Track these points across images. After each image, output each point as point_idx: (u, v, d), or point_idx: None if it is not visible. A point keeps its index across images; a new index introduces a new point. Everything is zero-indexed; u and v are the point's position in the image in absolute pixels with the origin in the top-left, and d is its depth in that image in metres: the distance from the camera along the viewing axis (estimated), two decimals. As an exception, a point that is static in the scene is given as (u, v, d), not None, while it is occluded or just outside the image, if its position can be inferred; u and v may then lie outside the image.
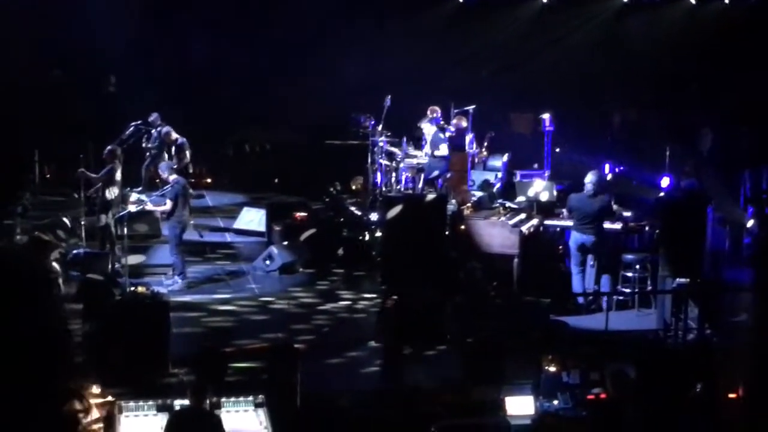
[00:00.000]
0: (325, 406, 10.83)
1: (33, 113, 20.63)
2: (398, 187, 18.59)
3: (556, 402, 10.41)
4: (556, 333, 12.99)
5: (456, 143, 19.26)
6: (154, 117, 20.14)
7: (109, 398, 9.80)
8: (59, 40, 21.48)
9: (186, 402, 9.21)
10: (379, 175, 18.86)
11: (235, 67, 22.78)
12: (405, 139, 18.61)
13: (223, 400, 9.57)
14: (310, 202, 19.24)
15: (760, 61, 20.12)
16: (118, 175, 15.89)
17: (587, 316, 14.10)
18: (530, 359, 10.95)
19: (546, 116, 19.63)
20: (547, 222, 16.20)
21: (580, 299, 14.71)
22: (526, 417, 10.19)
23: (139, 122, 19.87)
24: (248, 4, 23.54)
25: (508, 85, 23.48)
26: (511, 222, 15.46)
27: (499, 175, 19.38)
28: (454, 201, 17.08)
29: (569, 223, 15.18)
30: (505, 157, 19.98)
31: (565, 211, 15.47)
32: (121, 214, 15.09)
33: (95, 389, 9.87)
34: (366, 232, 17.63)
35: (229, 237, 18.35)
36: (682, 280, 13.09)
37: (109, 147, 16.23)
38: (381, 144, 18.69)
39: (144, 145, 20.21)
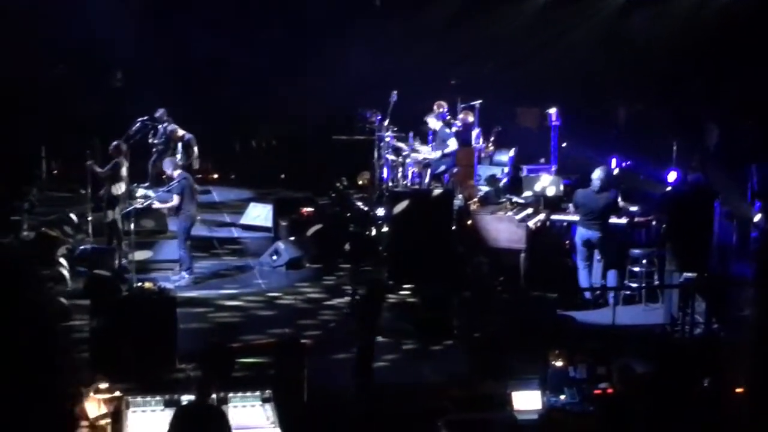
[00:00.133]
0: (331, 402, 10.83)
1: (39, 109, 20.67)
2: (405, 182, 18.59)
3: (563, 397, 10.40)
4: (563, 328, 12.98)
5: (462, 138, 19.25)
6: (160, 113, 20.16)
7: (117, 393, 9.81)
8: (65, 36, 21.49)
9: (193, 397, 9.22)
10: (385, 170, 18.86)
11: (242, 63, 22.77)
12: (411, 135, 18.61)
13: (230, 395, 9.57)
14: (317, 198, 19.26)
15: (766, 55, 20.05)
16: (124, 171, 15.91)
17: (594, 311, 14.10)
18: (537, 354, 10.92)
19: (552, 111, 19.60)
20: (554, 217, 16.17)
21: (587, 294, 14.69)
22: (533, 412, 10.18)
23: (145, 118, 19.89)
24: (257, 1, 23.56)
25: (514, 79, 23.44)
26: (518, 217, 15.44)
27: (506, 169, 19.37)
28: (460, 196, 17.07)
29: (576, 218, 15.16)
30: (512, 152, 19.97)
31: (571, 206, 15.46)
32: (127, 209, 15.12)
33: (102, 385, 9.88)
34: (372, 228, 17.64)
35: (235, 232, 18.39)
36: (689, 274, 13.09)
37: (114, 142, 16.26)
38: (387, 139, 18.69)
39: (150, 140, 20.23)
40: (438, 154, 18.37)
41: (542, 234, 15.78)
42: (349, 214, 18.52)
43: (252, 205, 19.00)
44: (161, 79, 21.06)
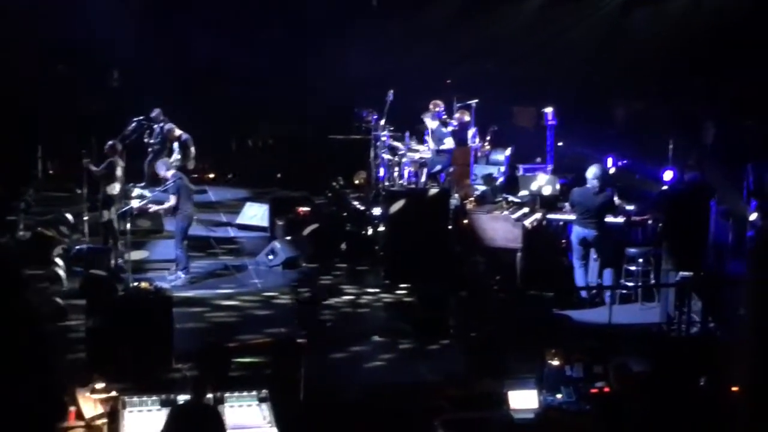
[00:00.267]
0: (328, 401, 10.83)
1: (36, 109, 20.66)
2: (401, 181, 18.59)
3: (559, 396, 10.40)
4: (560, 327, 12.99)
5: (459, 137, 19.23)
6: (156, 113, 20.16)
7: (113, 393, 9.81)
8: (63, 36, 21.48)
9: (189, 397, 9.23)
10: (381, 169, 18.86)
11: (239, 62, 22.77)
12: (408, 134, 18.61)
13: (227, 395, 9.58)
14: (313, 197, 19.25)
15: (764, 54, 20.06)
16: (119, 171, 15.90)
17: (590, 310, 14.10)
18: (533, 353, 10.93)
19: (549, 110, 19.59)
20: (550, 216, 16.17)
21: (584, 293, 14.70)
22: (529, 411, 10.18)
23: (141, 118, 19.89)
24: (256, 1, 23.56)
25: (510, 79, 23.45)
26: (514, 216, 15.44)
27: (502, 169, 19.36)
28: (456, 195, 17.07)
29: (572, 217, 15.17)
30: (508, 151, 19.96)
31: (567, 205, 15.47)
32: (123, 209, 15.11)
33: (99, 384, 9.88)
34: (369, 227, 17.64)
35: (232, 232, 18.38)
36: (686, 273, 13.09)
37: (110, 142, 16.26)
38: (384, 138, 18.68)
39: (146, 140, 20.23)
40: (431, 145, 18.36)
41: (538, 233, 15.78)
42: (345, 214, 18.53)
43: (248, 204, 18.99)
44: (158, 78, 21.05)
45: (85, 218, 16.43)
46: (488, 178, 18.68)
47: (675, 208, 14.01)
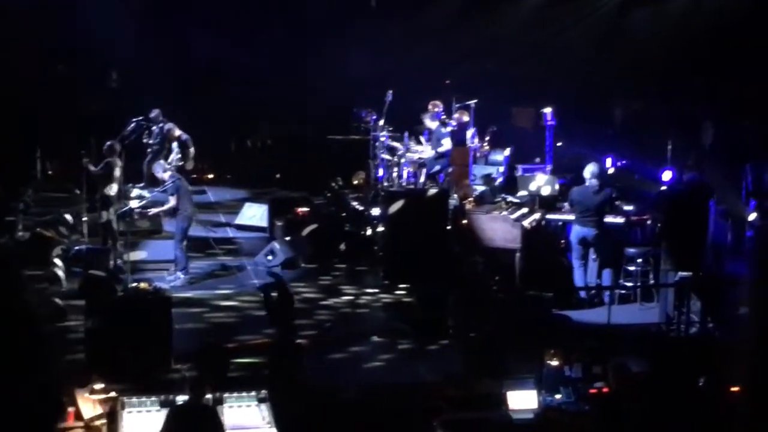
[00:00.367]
0: (327, 401, 10.83)
1: (35, 109, 20.65)
2: (400, 181, 18.57)
3: (558, 396, 10.41)
4: (559, 327, 13.00)
5: (458, 138, 19.22)
6: (155, 113, 20.15)
7: (112, 394, 9.82)
8: (62, 36, 21.48)
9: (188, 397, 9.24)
10: (380, 169, 18.84)
11: (237, 63, 22.75)
12: (407, 134, 18.60)
13: (226, 395, 9.59)
14: (312, 198, 19.25)
15: (763, 54, 20.06)
16: (118, 172, 15.90)
17: (589, 310, 14.10)
18: (532, 353, 10.95)
19: (548, 110, 19.58)
20: (549, 216, 16.17)
21: (583, 293, 14.70)
22: (528, 411, 10.19)
23: (140, 118, 19.89)
24: (256, 1, 23.55)
25: (509, 79, 23.44)
26: (513, 216, 15.44)
27: (501, 169, 19.34)
28: (455, 195, 17.05)
29: (571, 217, 15.17)
30: (507, 152, 19.94)
31: (566, 204, 15.47)
32: (123, 210, 15.11)
33: (98, 385, 9.88)
34: (368, 227, 17.64)
35: (231, 232, 18.37)
36: (685, 273, 13.10)
37: (108, 142, 16.26)
38: (383, 139, 18.67)
39: (145, 141, 20.22)
40: (432, 145, 18.38)
41: (537, 233, 15.78)
42: (344, 214, 18.52)
43: (247, 205, 18.99)
44: (158, 79, 21.02)
45: (84, 219, 16.43)
46: (487, 179, 18.66)
47: (674, 208, 14.03)
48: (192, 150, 19.63)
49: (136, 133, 19.76)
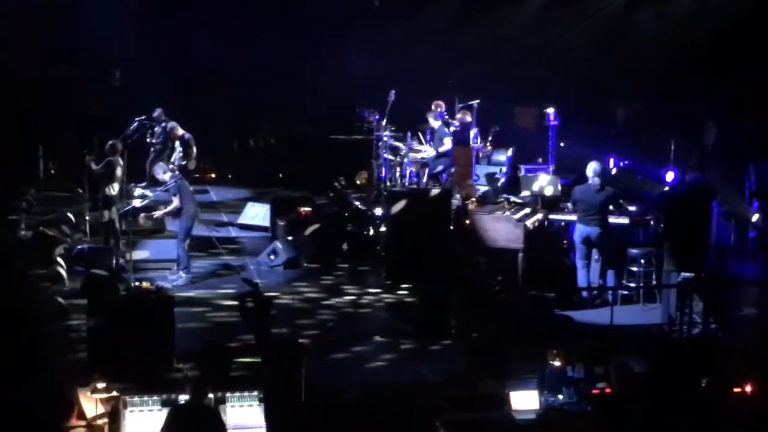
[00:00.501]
0: (330, 401, 10.83)
1: (37, 109, 20.66)
2: (403, 181, 18.59)
3: (560, 396, 10.39)
4: (561, 327, 12.96)
5: (460, 138, 19.23)
6: (158, 113, 20.18)
7: (114, 393, 9.81)
8: (64, 35, 21.49)
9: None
10: (383, 169, 18.86)
11: (240, 62, 22.77)
12: (409, 134, 18.61)
13: (228, 394, 9.58)
14: (315, 197, 19.26)
15: (765, 54, 20.06)
16: (119, 171, 15.92)
17: (592, 311, 14.08)
18: (535, 354, 10.92)
19: (550, 110, 19.57)
20: (552, 216, 16.17)
21: (585, 294, 14.69)
22: (530, 411, 10.18)
23: (143, 117, 19.91)
24: (256, 1, 23.55)
25: (512, 79, 23.44)
26: (516, 216, 15.43)
27: (504, 169, 19.34)
28: (458, 195, 17.06)
29: (574, 217, 15.15)
30: (510, 152, 19.94)
31: (569, 204, 15.45)
32: (125, 209, 15.12)
33: (100, 384, 9.87)
34: (370, 227, 17.65)
35: (233, 232, 18.38)
36: (687, 274, 13.09)
37: (110, 141, 16.28)
38: (385, 139, 18.68)
39: (148, 140, 20.23)
40: (433, 152, 18.41)
41: (540, 233, 15.77)
42: (347, 214, 18.52)
43: (250, 204, 18.99)
44: (160, 78, 21.03)
45: (87, 218, 16.44)
46: (490, 179, 18.68)
47: (676, 209, 14.01)
48: (194, 149, 19.66)
49: (138, 133, 19.77)
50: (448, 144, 18.26)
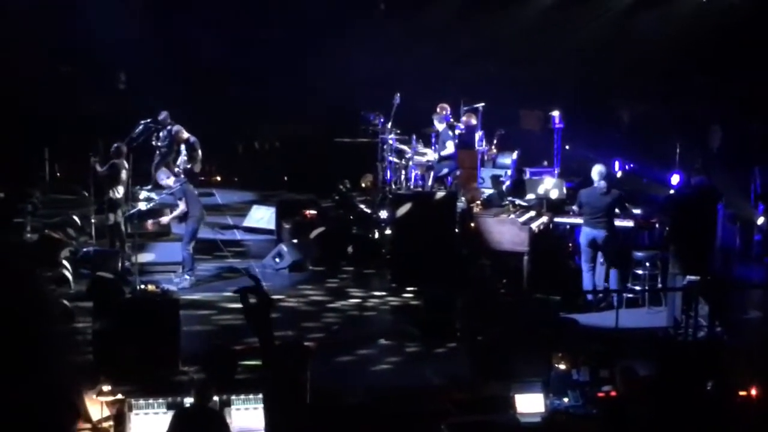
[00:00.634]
0: (334, 404, 10.82)
1: (42, 110, 20.68)
2: (408, 184, 18.59)
3: (566, 400, 10.40)
4: (566, 330, 12.96)
5: (465, 141, 19.24)
6: (163, 116, 20.18)
7: (120, 396, 9.82)
8: (68, 37, 21.51)
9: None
10: (388, 172, 18.87)
11: (245, 64, 22.79)
12: (414, 137, 18.61)
13: (233, 397, 9.59)
14: (320, 200, 19.25)
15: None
16: (124, 174, 15.94)
17: (597, 314, 14.08)
18: (540, 357, 10.92)
19: (555, 113, 19.60)
20: (557, 219, 16.18)
21: (590, 296, 14.68)
22: (536, 415, 10.18)
23: (148, 120, 19.91)
24: (257, 1, 23.56)
25: (517, 82, 23.43)
26: (521, 219, 15.43)
27: (509, 172, 19.35)
28: (463, 198, 17.05)
29: (579, 220, 15.15)
30: (515, 155, 19.95)
31: (575, 207, 15.45)
32: (131, 212, 15.14)
33: (105, 387, 9.89)
34: (376, 230, 17.65)
35: (238, 235, 18.39)
36: (693, 277, 13.08)
37: (116, 144, 16.31)
38: (390, 141, 18.69)
39: (154, 143, 20.25)
40: (436, 155, 18.43)
41: (545, 236, 15.78)
42: (352, 217, 18.53)
43: (255, 207, 19.01)
44: (165, 81, 21.05)
45: (92, 221, 16.46)
46: (495, 182, 18.68)
47: (682, 211, 14.01)
48: (199, 153, 19.66)
49: (144, 135, 19.77)
50: (450, 148, 18.26)
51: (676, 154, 18.35)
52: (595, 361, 10.78)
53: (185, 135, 19.66)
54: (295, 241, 16.86)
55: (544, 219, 15.93)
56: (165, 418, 9.20)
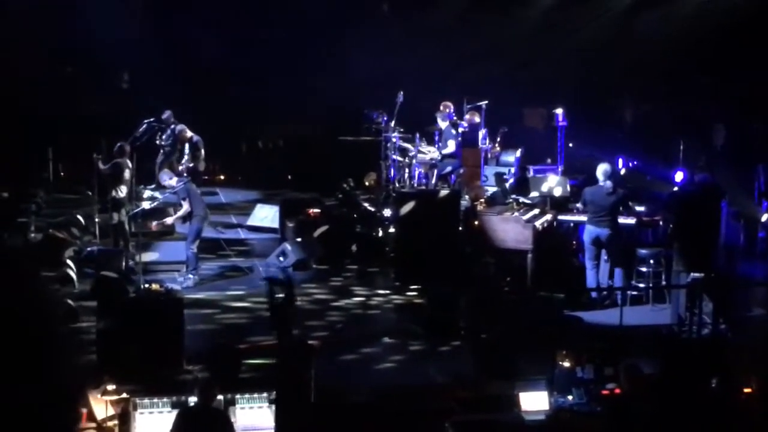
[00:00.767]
0: (339, 402, 10.83)
1: (46, 111, 20.70)
2: (411, 182, 18.59)
3: (570, 397, 10.39)
4: (570, 328, 12.97)
5: (469, 139, 19.23)
6: (167, 114, 20.19)
7: (124, 395, 9.83)
8: (69, 37, 21.53)
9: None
10: (392, 170, 18.86)
11: (248, 63, 22.78)
12: (418, 135, 18.61)
13: (238, 396, 9.60)
14: (324, 199, 19.27)
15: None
16: (127, 174, 15.94)
17: (601, 311, 14.07)
18: (544, 354, 10.92)
19: (559, 111, 19.56)
20: (561, 217, 16.17)
21: (594, 294, 14.68)
22: (540, 412, 10.18)
23: (152, 119, 19.93)
24: (259, 0, 23.56)
25: (520, 80, 23.41)
26: (525, 217, 15.43)
27: (512, 170, 19.34)
28: (467, 196, 17.07)
29: (583, 218, 15.15)
30: (518, 153, 19.94)
31: (579, 204, 15.44)
32: (135, 211, 15.15)
33: (110, 386, 9.90)
34: (379, 228, 17.65)
35: (242, 234, 18.38)
36: (697, 274, 13.07)
37: (119, 143, 16.32)
38: (394, 140, 18.68)
39: (157, 142, 20.26)
40: (438, 154, 18.44)
41: (549, 234, 15.77)
42: (355, 215, 18.52)
43: (259, 206, 19.01)
44: (167, 80, 21.05)
45: (96, 220, 16.47)
46: (499, 180, 18.68)
47: (686, 209, 14.00)
48: (203, 152, 19.66)
49: (147, 135, 19.79)
50: (451, 147, 18.26)
51: (679, 152, 18.32)
52: (600, 359, 10.78)
53: (189, 134, 19.66)
54: (298, 239, 16.85)
55: (548, 217, 15.92)
56: (169, 417, 9.22)
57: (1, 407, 3.19)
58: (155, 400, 9.46)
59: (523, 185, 17.87)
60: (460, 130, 18.96)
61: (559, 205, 16.65)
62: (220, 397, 9.36)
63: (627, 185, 16.22)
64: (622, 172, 18.20)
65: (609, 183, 14.48)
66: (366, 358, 12.53)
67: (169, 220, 15.88)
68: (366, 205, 18.99)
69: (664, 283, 14.69)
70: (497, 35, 24.07)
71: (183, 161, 19.60)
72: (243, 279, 15.74)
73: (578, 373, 10.64)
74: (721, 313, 12.81)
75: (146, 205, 15.73)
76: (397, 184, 18.66)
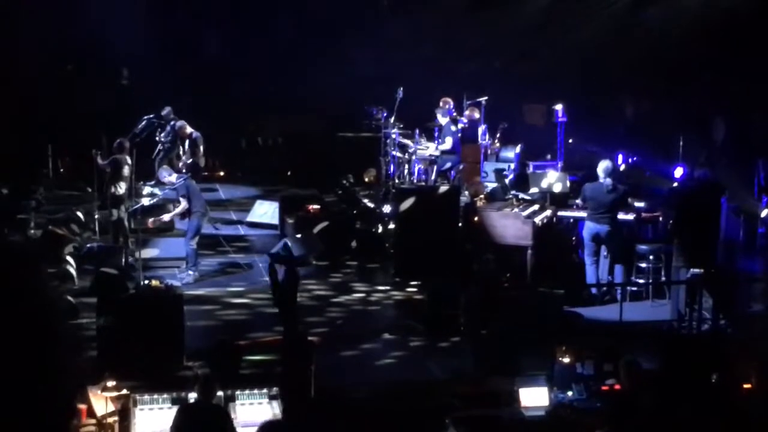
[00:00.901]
0: (339, 398, 10.84)
1: (46, 107, 20.71)
2: (411, 178, 18.59)
3: (570, 393, 10.40)
4: (570, 324, 12.96)
5: (469, 135, 19.23)
6: (167, 111, 20.18)
7: (124, 391, 9.83)
8: (72, 34, 21.52)
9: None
10: (391, 167, 18.86)
11: (248, 60, 22.78)
12: (417, 131, 18.60)
13: (238, 392, 9.60)
14: (323, 195, 19.26)
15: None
16: (126, 170, 15.94)
17: (601, 307, 14.09)
18: (544, 350, 10.93)
19: (559, 107, 19.56)
20: (561, 213, 16.17)
21: (594, 290, 14.68)
22: (540, 408, 10.18)
23: (151, 116, 19.92)
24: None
25: (520, 75, 23.40)
26: (525, 213, 15.42)
27: (512, 166, 19.33)
28: (467, 192, 17.06)
29: (583, 213, 15.14)
30: (518, 149, 19.93)
31: (578, 201, 15.44)
32: (134, 207, 15.14)
33: (110, 383, 9.90)
34: (379, 225, 17.66)
35: (242, 230, 18.39)
36: (697, 270, 13.07)
37: (118, 140, 16.31)
38: (393, 136, 18.68)
39: (157, 138, 20.25)
40: (436, 149, 18.43)
41: (549, 230, 15.77)
42: (355, 212, 18.53)
43: (258, 202, 19.01)
44: (167, 76, 21.05)
45: (96, 216, 16.47)
46: (498, 176, 18.65)
47: (686, 204, 14.00)
48: (202, 148, 19.66)
49: (147, 131, 19.80)
50: (448, 143, 18.28)
51: (679, 148, 18.31)
52: (599, 355, 10.78)
53: (189, 130, 19.65)
54: (298, 236, 16.81)
55: (548, 213, 15.92)
56: (170, 413, 9.21)
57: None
58: (155, 396, 9.46)
59: (522, 181, 17.86)
60: (460, 126, 18.96)
61: (559, 201, 16.65)
62: (220, 393, 9.36)
63: (627, 181, 16.22)
64: (622, 167, 18.18)
65: (609, 180, 14.48)
66: (366, 354, 12.54)
67: (166, 217, 15.87)
68: (366, 201, 19.00)
69: (663, 278, 14.68)
70: (497, 31, 24.06)
71: (183, 158, 19.59)
72: (243, 275, 15.75)
73: (578, 369, 10.65)
74: (720, 309, 12.81)
75: (146, 201, 15.72)
76: (396, 181, 18.65)
